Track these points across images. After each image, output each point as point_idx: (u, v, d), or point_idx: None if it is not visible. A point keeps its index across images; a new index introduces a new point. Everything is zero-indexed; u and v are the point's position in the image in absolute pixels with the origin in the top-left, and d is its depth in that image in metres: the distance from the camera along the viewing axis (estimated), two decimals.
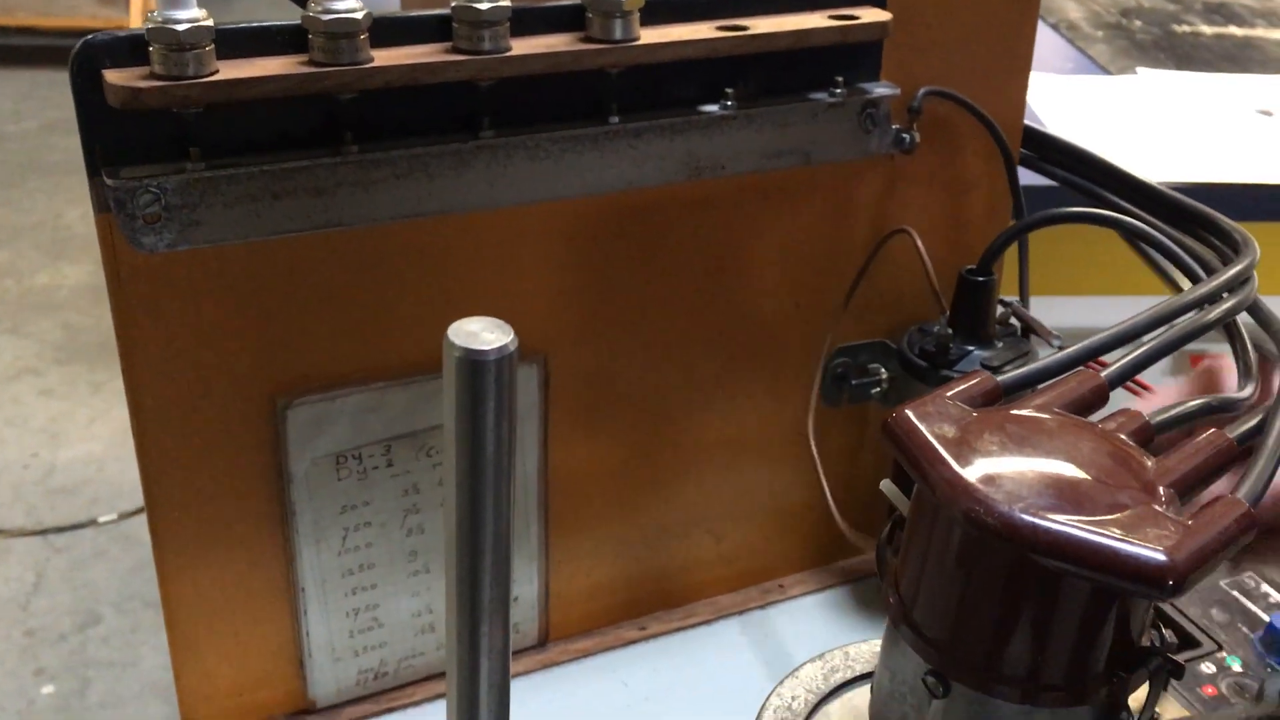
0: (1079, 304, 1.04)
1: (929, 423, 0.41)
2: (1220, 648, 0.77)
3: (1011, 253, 0.74)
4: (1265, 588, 0.84)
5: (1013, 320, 0.70)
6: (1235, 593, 0.84)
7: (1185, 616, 0.81)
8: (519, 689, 0.36)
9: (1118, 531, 0.36)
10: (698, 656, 0.71)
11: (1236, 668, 0.75)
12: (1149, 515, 0.37)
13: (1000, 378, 0.44)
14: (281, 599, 0.62)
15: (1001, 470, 0.39)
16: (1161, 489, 0.39)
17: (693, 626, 0.73)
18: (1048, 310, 0.72)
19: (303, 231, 0.55)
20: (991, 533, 0.37)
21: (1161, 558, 0.36)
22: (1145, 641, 0.41)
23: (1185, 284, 0.59)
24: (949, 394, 0.43)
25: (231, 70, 0.50)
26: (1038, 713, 0.40)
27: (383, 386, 0.60)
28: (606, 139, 0.59)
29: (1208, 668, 0.77)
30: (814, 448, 0.69)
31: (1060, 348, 0.52)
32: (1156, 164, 1.13)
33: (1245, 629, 0.79)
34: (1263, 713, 0.52)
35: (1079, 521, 0.37)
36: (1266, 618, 0.78)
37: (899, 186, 0.69)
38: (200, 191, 0.52)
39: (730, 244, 0.66)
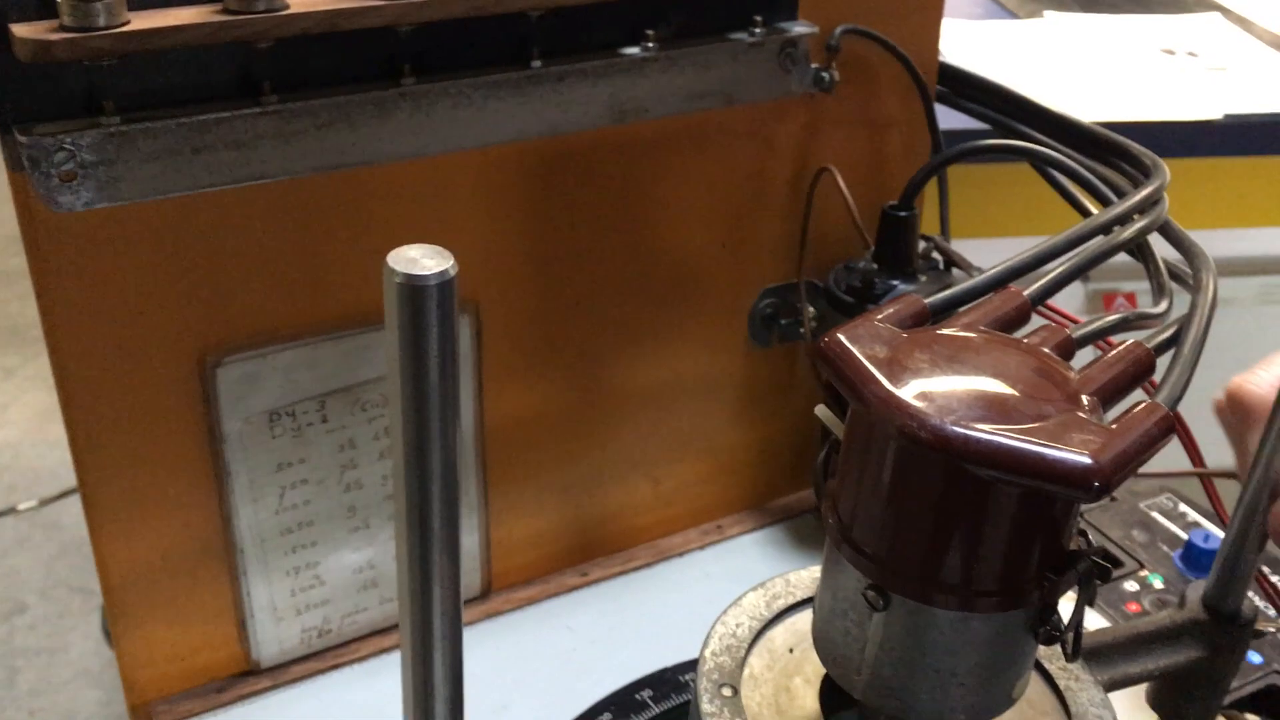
0: (1001, 244, 1.06)
1: (860, 344, 0.42)
2: (1142, 566, 0.80)
3: (933, 191, 0.76)
4: (1183, 507, 0.87)
5: (935, 254, 0.71)
6: (1155, 514, 0.87)
7: (1108, 538, 0.84)
8: (464, 639, 0.36)
9: (1045, 438, 0.37)
10: (640, 599, 0.72)
11: (1159, 584, 0.78)
12: (1074, 422, 0.39)
13: (927, 300, 0.45)
14: (220, 561, 0.61)
15: (932, 386, 0.40)
16: (1085, 397, 0.40)
17: (634, 570, 0.74)
18: (971, 252, 0.74)
19: (224, 186, 0.54)
20: (925, 445, 0.38)
21: (1087, 461, 0.37)
22: (1073, 546, 0.42)
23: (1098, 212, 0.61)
24: (878, 317, 0.44)
25: (144, 20, 0.49)
26: (974, 618, 0.41)
27: (314, 342, 0.59)
28: (529, 84, 0.59)
29: (1131, 586, 0.80)
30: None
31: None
32: (1065, 105, 1.15)
33: (1165, 547, 0.82)
34: (1185, 618, 0.55)
35: (1008, 431, 0.38)
36: (1185, 536, 0.81)
37: (820, 126, 0.70)
38: (116, 147, 0.51)
39: (657, 187, 0.67)
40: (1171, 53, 1.40)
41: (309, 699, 0.64)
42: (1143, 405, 0.40)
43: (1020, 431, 0.38)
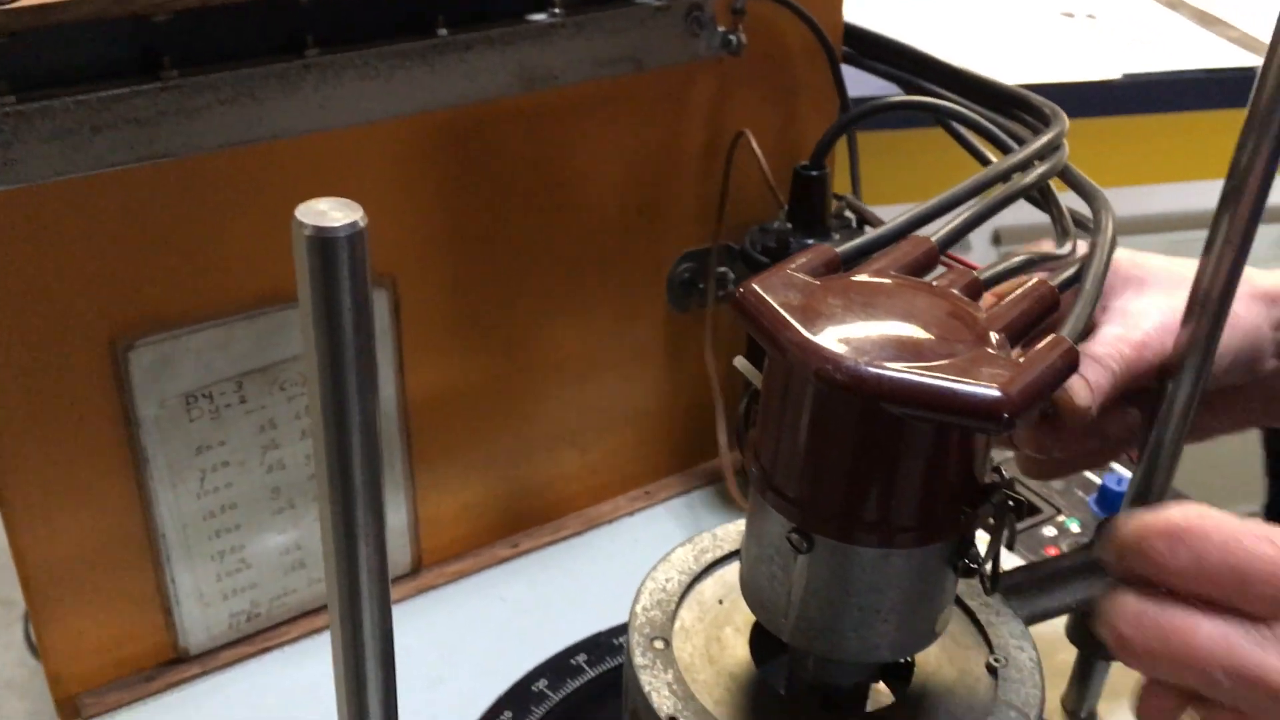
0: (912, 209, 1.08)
1: (775, 293, 0.42)
2: (1059, 512, 0.82)
3: (845, 154, 0.77)
4: None
5: (848, 213, 0.73)
6: None
7: (1026, 486, 0.86)
8: (396, 616, 0.36)
9: (955, 374, 0.38)
10: (572, 566, 0.72)
11: (1075, 528, 0.81)
12: (983, 357, 0.40)
13: (838, 248, 0.46)
14: (142, 548, 0.60)
15: (846, 330, 0.40)
16: (993, 334, 0.41)
17: (565, 539, 0.74)
18: (886, 216, 0.75)
19: (127, 165, 0.53)
20: (841, 387, 0.39)
21: (996, 393, 0.38)
22: (987, 480, 0.43)
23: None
24: (791, 266, 0.44)
25: None
26: (894, 554, 0.42)
27: (228, 322, 0.59)
28: (436, 53, 0.59)
29: (1049, 531, 0.83)
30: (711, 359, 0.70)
31: None
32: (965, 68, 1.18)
33: (1080, 493, 0.84)
34: (1097, 555, 0.56)
35: (920, 368, 0.39)
36: (1099, 480, 0.84)
37: (730, 90, 0.71)
38: (12, 127, 0.50)
39: (571, 156, 0.67)
40: (1070, 15, 1.43)
41: (240, 683, 0.63)
42: (1048, 339, 0.42)
43: (932, 369, 0.39)
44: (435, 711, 0.61)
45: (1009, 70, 1.23)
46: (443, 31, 0.58)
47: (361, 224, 0.29)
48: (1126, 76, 1.38)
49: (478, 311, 0.68)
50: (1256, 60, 1.22)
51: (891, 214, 0.78)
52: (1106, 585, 0.56)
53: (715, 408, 0.71)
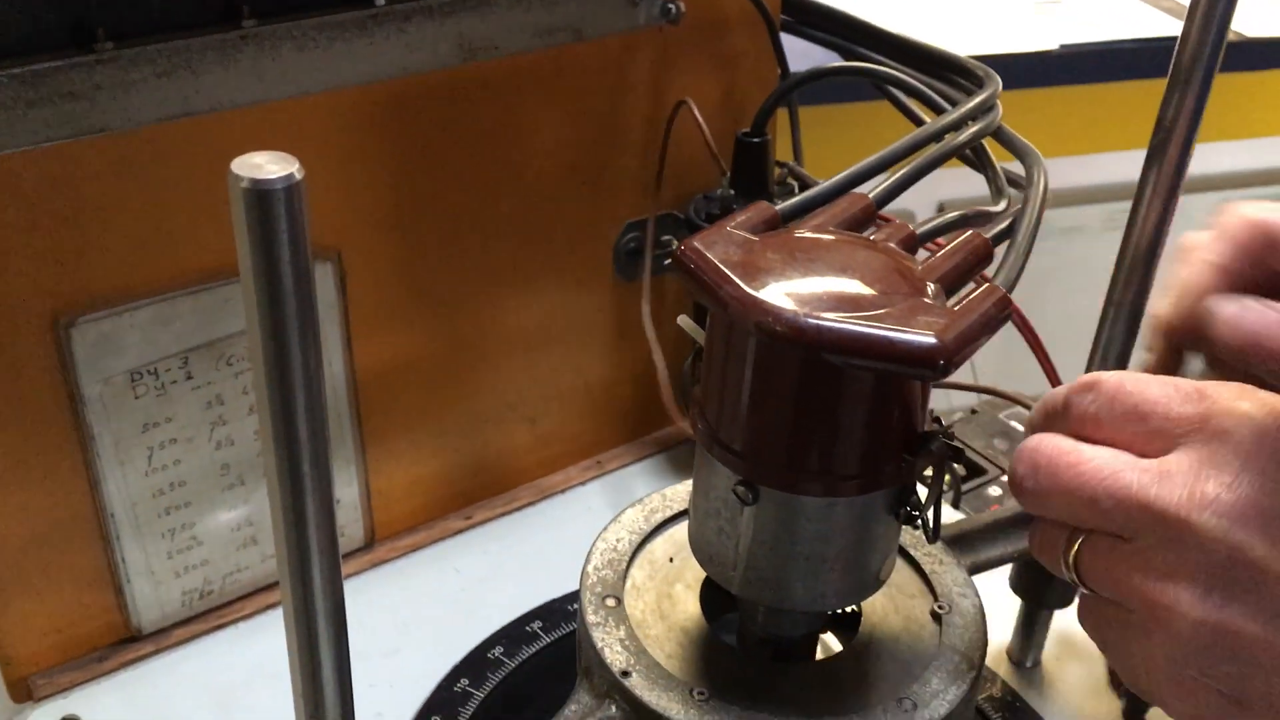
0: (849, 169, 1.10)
1: (715, 249, 0.43)
2: (1004, 471, 0.84)
3: (786, 124, 0.78)
4: None
5: (790, 180, 0.73)
6: (1013, 423, 0.91)
7: (971, 449, 0.88)
8: (350, 590, 0.37)
9: (892, 323, 0.39)
10: (525, 536, 0.73)
11: None
12: (919, 307, 0.41)
13: (778, 206, 0.47)
14: (91, 527, 0.60)
15: (786, 284, 0.41)
16: (929, 285, 0.42)
17: (517, 509, 0.74)
18: None
19: (64, 140, 0.52)
20: (781, 339, 0.39)
21: (932, 340, 0.39)
22: (927, 429, 0.44)
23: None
24: (731, 224, 0.45)
25: None
26: (838, 503, 0.43)
27: (172, 297, 0.58)
28: (374, 24, 0.58)
29: (994, 490, 0.84)
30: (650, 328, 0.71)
31: None
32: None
33: None
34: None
35: (859, 318, 0.39)
36: None
37: (671, 60, 0.71)
38: None
39: (512, 127, 0.67)
40: None
41: (194, 661, 0.63)
42: (981, 288, 0.42)
43: (870, 318, 0.40)
44: (392, 680, 0.61)
45: (945, 43, 1.24)
46: (381, 2, 0.58)
47: (298, 176, 0.29)
48: (1063, 47, 1.40)
49: (425, 284, 0.68)
50: None
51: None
52: None
53: (657, 370, 0.72)
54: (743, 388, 0.42)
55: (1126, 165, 1.43)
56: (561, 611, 0.66)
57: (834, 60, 0.76)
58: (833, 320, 0.39)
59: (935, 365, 0.39)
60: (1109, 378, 0.42)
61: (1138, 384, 0.41)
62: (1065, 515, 0.42)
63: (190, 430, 0.61)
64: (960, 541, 0.55)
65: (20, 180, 0.53)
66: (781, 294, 0.40)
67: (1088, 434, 0.42)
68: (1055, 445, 0.42)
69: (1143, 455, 0.40)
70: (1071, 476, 0.41)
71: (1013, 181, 0.58)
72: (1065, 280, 1.25)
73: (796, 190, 0.73)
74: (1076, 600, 0.45)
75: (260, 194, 0.29)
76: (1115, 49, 1.41)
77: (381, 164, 0.63)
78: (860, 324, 0.39)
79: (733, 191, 0.70)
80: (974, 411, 0.93)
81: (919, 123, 0.68)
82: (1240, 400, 0.39)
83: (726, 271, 0.42)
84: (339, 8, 0.57)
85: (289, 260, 0.30)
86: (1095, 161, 1.47)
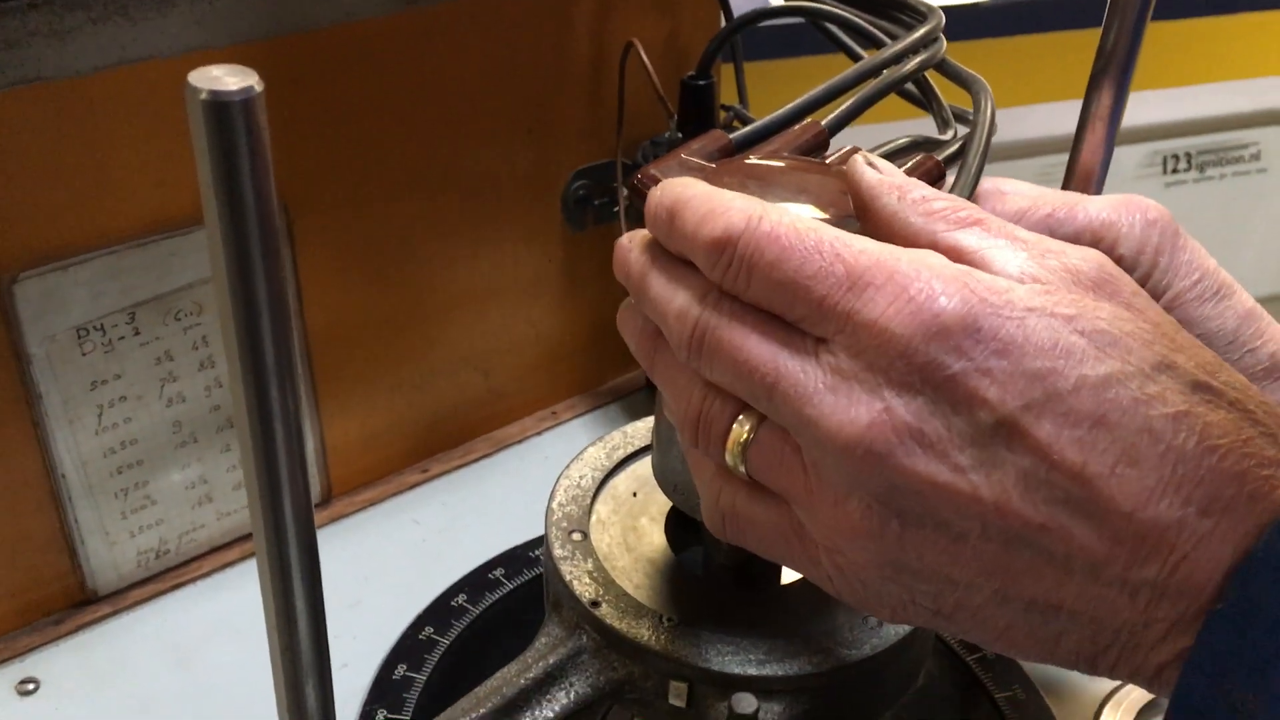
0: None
1: (672, 176, 0.43)
2: None
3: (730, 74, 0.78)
4: None
5: (735, 124, 0.73)
6: None
7: None
8: None
9: None
10: (482, 487, 0.73)
11: None
12: None
13: (731, 135, 0.47)
14: (41, 489, 0.59)
15: None
16: None
17: (474, 461, 0.74)
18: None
19: None
20: None
21: None
22: None
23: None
24: (686, 151, 0.45)
25: None
26: None
27: (116, 250, 0.57)
28: None
29: None
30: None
31: None
32: None
33: None
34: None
35: None
36: None
37: (613, 4, 0.71)
38: None
39: (455, 75, 0.66)
40: None
41: (151, 620, 0.62)
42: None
43: None
44: (356, 631, 0.61)
45: None
46: None
47: (258, 89, 0.29)
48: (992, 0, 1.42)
49: (373, 237, 0.67)
50: None
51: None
52: None
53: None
54: None
55: (1060, 117, 1.45)
56: (523, 558, 0.66)
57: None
58: None
59: None
60: (750, 233, 0.34)
61: (777, 247, 0.34)
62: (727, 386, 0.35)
63: (140, 388, 0.60)
64: None
65: None
66: None
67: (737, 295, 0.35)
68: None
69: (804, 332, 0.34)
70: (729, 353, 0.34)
71: (958, 116, 0.59)
72: None
73: None
74: None
75: (219, 105, 0.28)
76: (1042, 1, 1.42)
77: (326, 113, 0.62)
78: None
79: (680, 135, 0.70)
80: None
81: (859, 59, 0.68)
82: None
83: None
84: None
85: (249, 174, 0.29)
86: (1025, 113, 1.49)
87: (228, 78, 0.29)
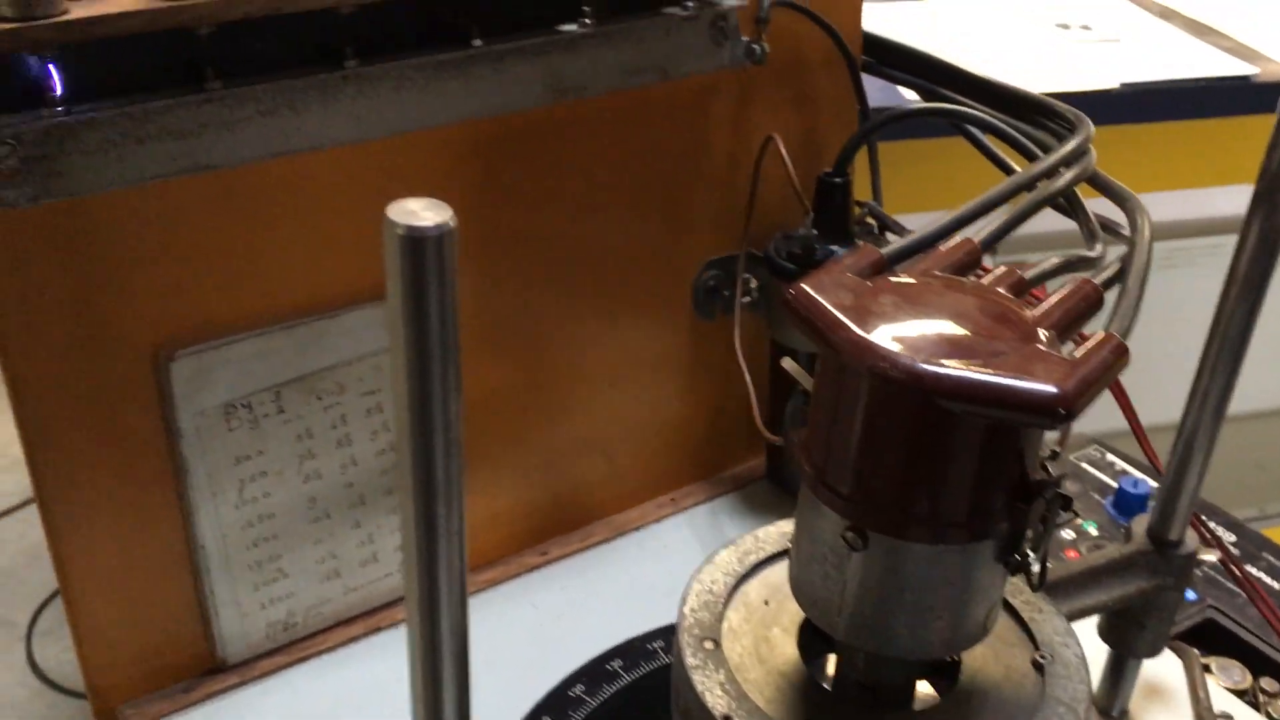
0: (934, 218, 1.10)
1: (826, 293, 0.43)
2: (1077, 515, 0.83)
3: (866, 164, 0.78)
4: (1110, 457, 0.90)
5: (869, 220, 0.73)
6: (1084, 464, 0.90)
7: None
8: None
9: (1012, 370, 0.39)
10: (601, 573, 0.73)
11: (1094, 530, 0.81)
12: (1035, 354, 0.41)
13: (884, 250, 0.47)
14: (181, 558, 0.60)
15: (899, 328, 0.41)
16: (1042, 332, 0.42)
17: (593, 546, 0.74)
18: (906, 225, 0.76)
19: (170, 176, 0.53)
20: (898, 384, 0.39)
21: (1053, 389, 0.39)
22: (1038, 477, 0.44)
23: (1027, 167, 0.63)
24: (839, 267, 0.45)
25: (83, 9, 0.49)
26: (947, 550, 0.43)
27: (267, 332, 0.59)
28: (470, 64, 0.59)
29: (1068, 534, 0.83)
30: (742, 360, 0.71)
31: None
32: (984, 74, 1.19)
33: (1097, 496, 0.85)
34: (1132, 549, 0.57)
35: (974, 365, 0.39)
36: (1115, 483, 0.85)
37: (753, 99, 0.71)
38: (59, 139, 0.50)
39: (597, 166, 0.67)
40: (1066, 26, 1.45)
41: (277, 693, 0.63)
42: (1099, 336, 0.42)
43: (987, 366, 0.39)
44: (475, 717, 0.61)
45: (1010, 82, 1.24)
46: (477, 42, 0.59)
47: (451, 224, 0.30)
48: (1124, 85, 1.40)
49: (506, 318, 0.68)
50: (1251, 69, 1.24)
51: (911, 222, 0.80)
52: (1140, 581, 0.57)
53: (750, 398, 0.71)
54: (853, 432, 0.42)
55: (1182, 204, 1.42)
56: (642, 650, 0.65)
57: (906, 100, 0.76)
58: (951, 368, 0.39)
59: (1057, 414, 0.39)
60: None
61: None
62: None
63: (280, 464, 0.62)
64: (1054, 589, 0.55)
65: (126, 216, 0.54)
66: (895, 339, 0.40)
67: None
68: None
69: None
70: None
71: (1103, 225, 0.58)
72: None
73: (876, 230, 0.73)
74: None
75: (415, 240, 0.29)
76: (1176, 88, 1.40)
77: (468, 201, 0.64)
78: (979, 371, 0.39)
79: (815, 231, 0.70)
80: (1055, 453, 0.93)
81: (998, 161, 0.68)
82: None
83: (839, 316, 0.42)
84: (438, 48, 0.58)
85: (437, 305, 0.30)
86: (1152, 200, 1.46)
87: (424, 212, 0.29)
